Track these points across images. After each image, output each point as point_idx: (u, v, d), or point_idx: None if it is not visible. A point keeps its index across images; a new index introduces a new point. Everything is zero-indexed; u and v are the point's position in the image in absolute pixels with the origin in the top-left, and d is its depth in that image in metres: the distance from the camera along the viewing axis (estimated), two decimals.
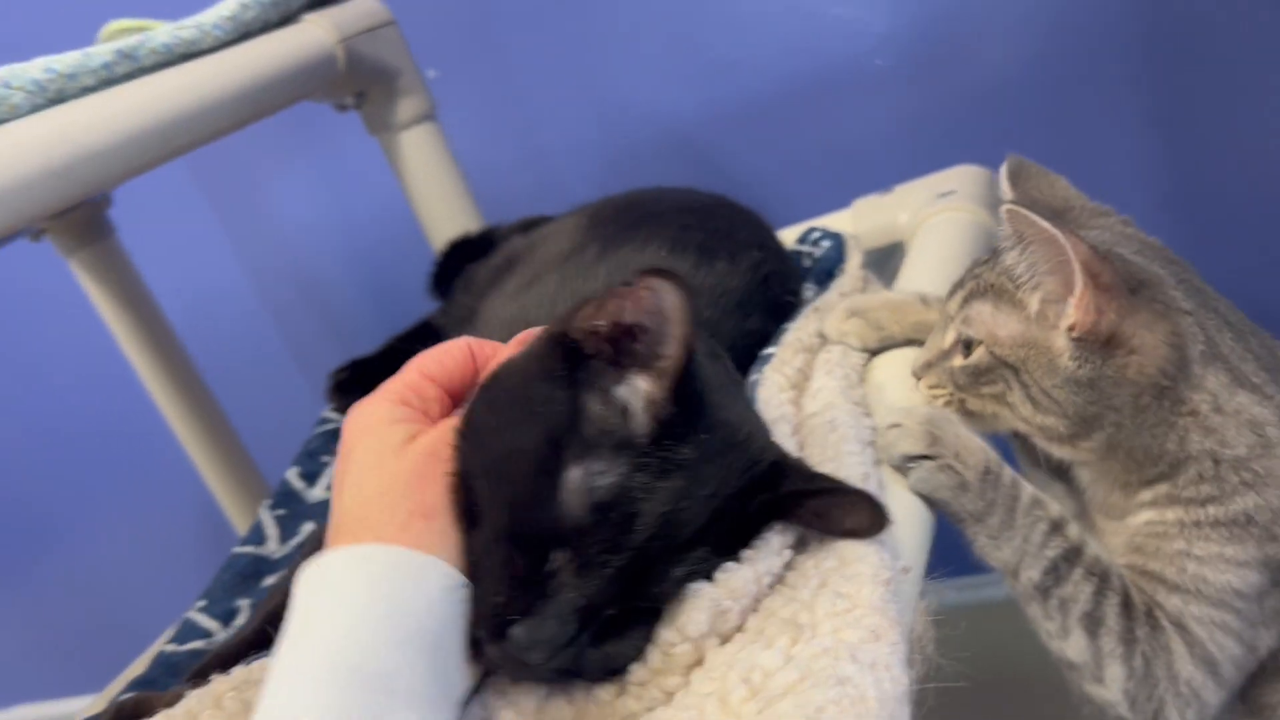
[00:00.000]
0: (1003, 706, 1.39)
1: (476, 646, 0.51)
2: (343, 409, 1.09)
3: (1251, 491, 0.64)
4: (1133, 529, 0.68)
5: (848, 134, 1.32)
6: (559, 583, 0.51)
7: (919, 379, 0.73)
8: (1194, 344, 0.65)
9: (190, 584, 1.03)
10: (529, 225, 1.12)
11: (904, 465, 0.66)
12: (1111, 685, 0.64)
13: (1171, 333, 0.64)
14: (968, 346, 0.69)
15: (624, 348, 0.54)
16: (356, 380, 1.09)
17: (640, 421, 0.53)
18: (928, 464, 0.65)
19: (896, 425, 0.67)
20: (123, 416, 1.78)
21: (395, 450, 0.52)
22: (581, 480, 0.51)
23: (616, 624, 0.52)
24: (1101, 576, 0.65)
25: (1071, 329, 0.64)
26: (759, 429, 0.60)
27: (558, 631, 0.50)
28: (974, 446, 0.67)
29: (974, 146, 1.28)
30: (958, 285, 0.73)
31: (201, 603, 0.91)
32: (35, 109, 0.81)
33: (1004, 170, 0.79)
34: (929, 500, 0.66)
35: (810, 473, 0.59)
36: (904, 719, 0.47)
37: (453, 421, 0.55)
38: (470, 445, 0.54)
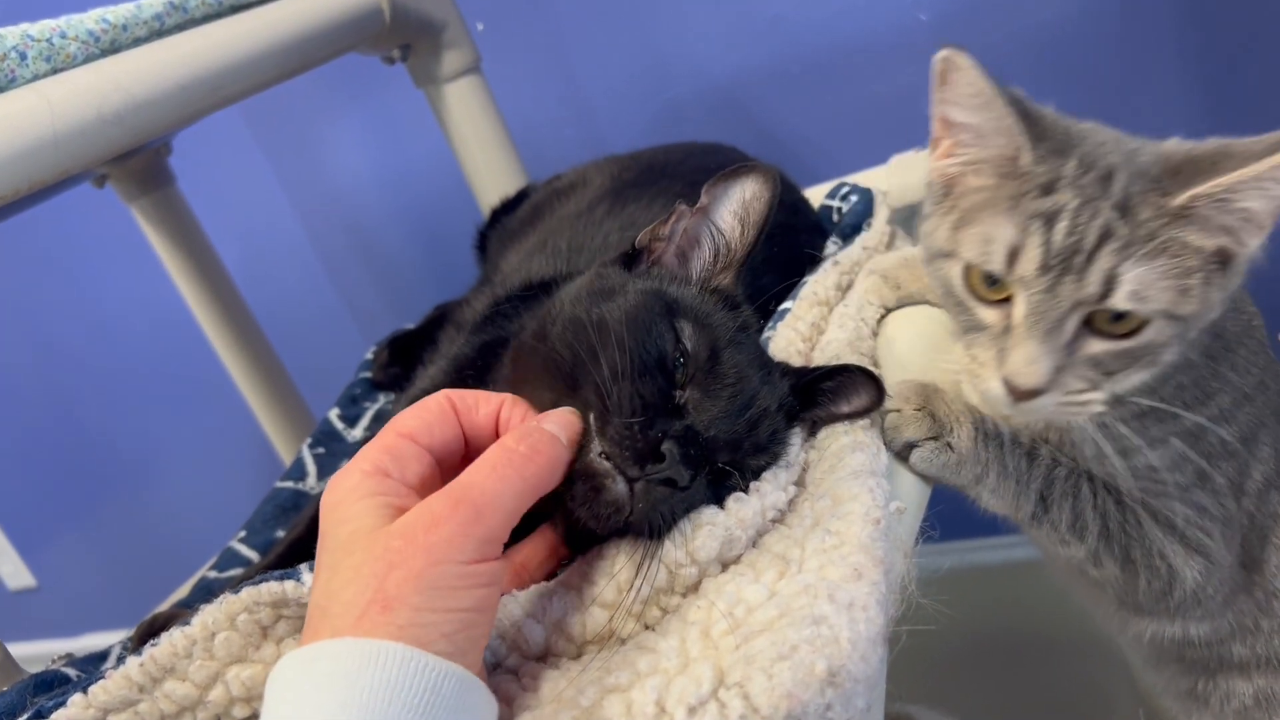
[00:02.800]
0: (988, 668, 1.41)
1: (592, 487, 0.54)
2: (385, 384, 1.13)
3: (1147, 395, 0.65)
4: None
5: (890, 89, 1.31)
6: (689, 411, 0.57)
7: (1037, 394, 0.60)
8: None
9: (243, 514, 1.07)
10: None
11: (905, 450, 0.68)
12: (1108, 568, 0.71)
13: None
14: (1119, 319, 0.59)
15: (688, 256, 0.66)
16: (396, 358, 1.12)
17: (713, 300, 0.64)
18: (929, 445, 0.67)
19: (894, 411, 0.68)
20: (182, 357, 1.85)
21: (369, 533, 0.48)
22: (694, 327, 0.59)
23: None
24: (1074, 491, 0.70)
25: None
26: None
27: (700, 449, 0.55)
28: (961, 412, 0.69)
29: None
30: (1079, 250, 0.59)
31: (242, 533, 0.96)
32: (89, 59, 0.84)
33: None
34: (930, 478, 0.68)
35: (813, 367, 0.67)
36: (875, 659, 0.47)
37: (437, 500, 0.49)
38: (567, 321, 0.59)
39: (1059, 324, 0.59)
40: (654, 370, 0.56)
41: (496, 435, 0.56)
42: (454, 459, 0.56)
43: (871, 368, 0.70)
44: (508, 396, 0.57)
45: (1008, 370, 0.61)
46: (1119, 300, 0.58)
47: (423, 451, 0.53)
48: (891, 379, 0.70)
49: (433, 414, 0.55)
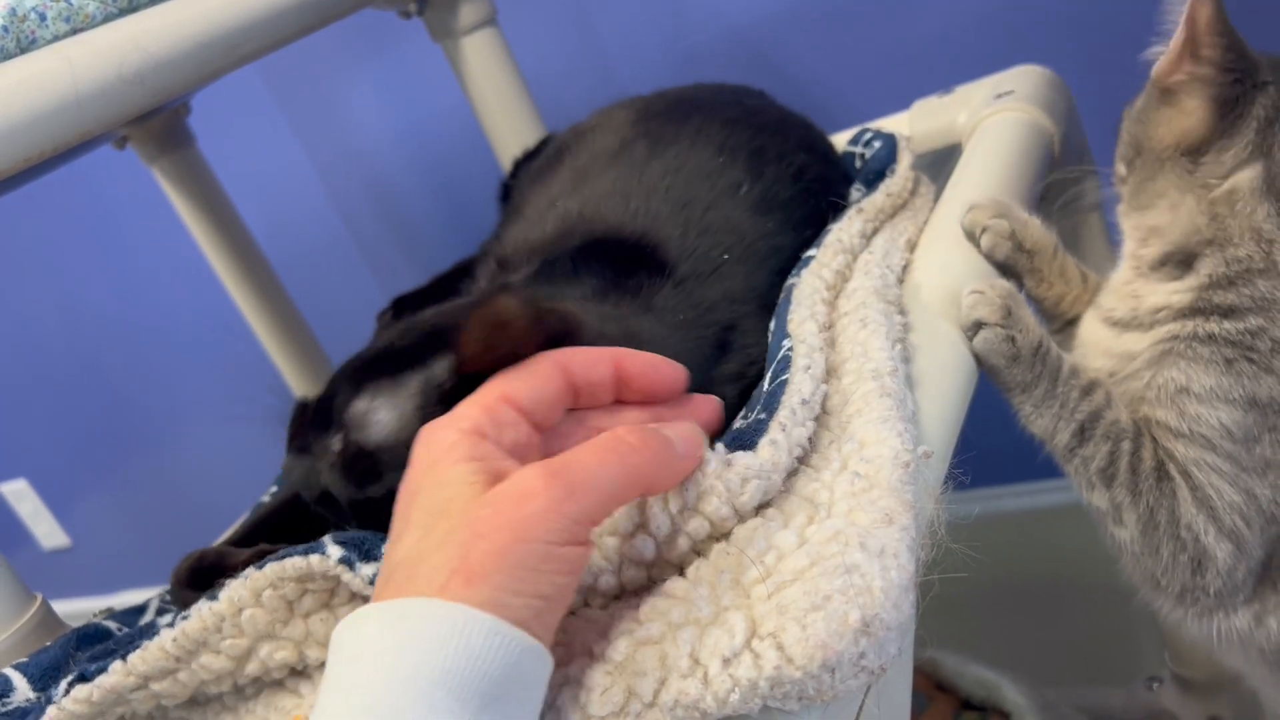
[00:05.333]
0: (1014, 614, 1.42)
1: None
2: None
3: (1260, 314, 0.69)
4: (1150, 345, 0.74)
5: (912, 34, 1.29)
6: None
7: None
8: (1241, 136, 0.71)
9: (269, 473, 1.09)
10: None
11: (973, 329, 0.72)
12: (1128, 527, 0.72)
13: (1213, 115, 0.71)
14: None
15: None
16: (398, 318, 1.07)
17: None
18: (997, 330, 0.71)
19: (978, 292, 0.73)
20: (206, 315, 1.86)
21: (465, 499, 0.46)
22: None
23: None
24: (1116, 437, 0.72)
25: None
26: None
27: None
28: (1033, 325, 0.73)
29: (1040, 46, 1.24)
30: None
31: (273, 489, 0.97)
32: (108, 18, 0.83)
33: None
34: (985, 363, 0.72)
35: None
36: (907, 606, 0.47)
37: (532, 472, 0.47)
38: None
39: None
40: None
41: (614, 390, 0.55)
42: (555, 419, 0.54)
43: (899, 315, 0.70)
44: (621, 351, 0.55)
45: None
46: None
47: (521, 419, 0.51)
48: (919, 324, 0.70)
49: (540, 379, 0.52)
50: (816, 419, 0.60)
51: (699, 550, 0.55)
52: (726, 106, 0.92)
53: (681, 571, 0.54)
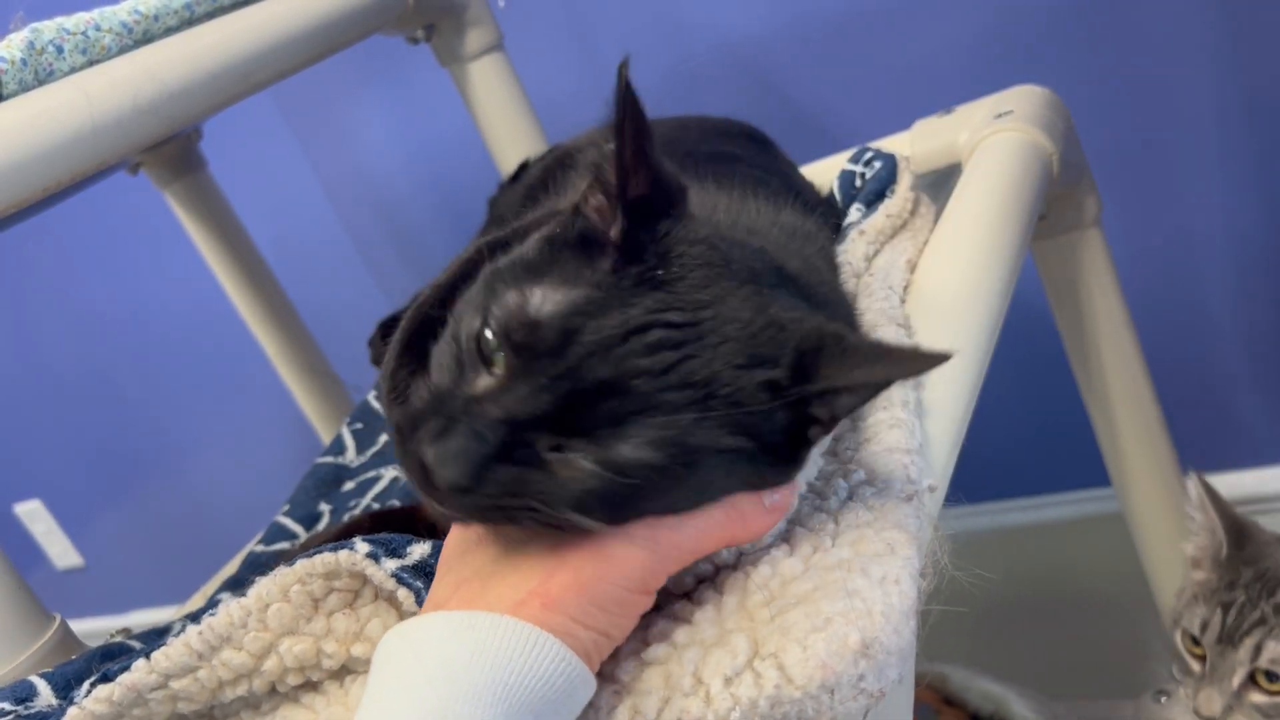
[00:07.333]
0: (1021, 627, 1.42)
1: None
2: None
3: None
4: None
5: (913, 53, 1.30)
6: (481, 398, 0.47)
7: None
8: None
9: (283, 493, 1.10)
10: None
11: None
12: None
13: None
14: (1270, 678, 0.90)
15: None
16: (386, 340, 1.10)
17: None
18: None
19: None
20: (219, 338, 1.87)
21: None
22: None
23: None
24: None
25: None
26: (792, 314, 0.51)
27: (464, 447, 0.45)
28: None
29: (1039, 66, 1.26)
30: (1239, 630, 0.92)
31: (286, 507, 0.98)
32: (123, 50, 0.85)
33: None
34: None
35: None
36: (908, 632, 0.48)
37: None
38: None
39: (1228, 676, 0.90)
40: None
41: None
42: None
43: (905, 335, 0.70)
44: None
45: (1196, 703, 0.93)
46: (1262, 664, 0.88)
47: None
48: (926, 331, 0.70)
49: None
50: (834, 453, 0.61)
51: (700, 576, 0.56)
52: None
53: (689, 596, 0.55)
